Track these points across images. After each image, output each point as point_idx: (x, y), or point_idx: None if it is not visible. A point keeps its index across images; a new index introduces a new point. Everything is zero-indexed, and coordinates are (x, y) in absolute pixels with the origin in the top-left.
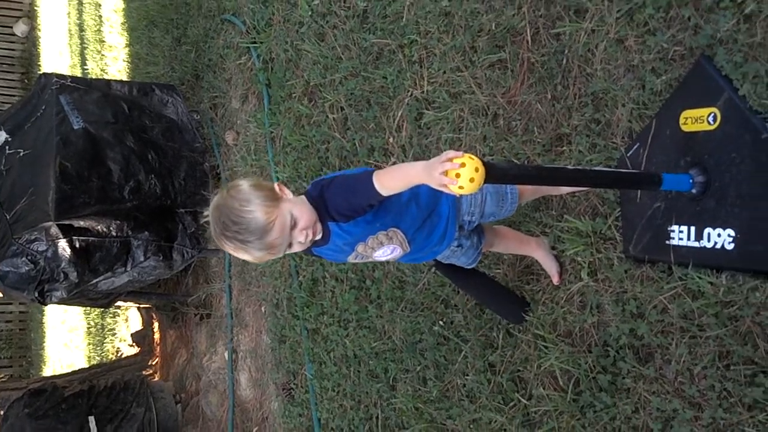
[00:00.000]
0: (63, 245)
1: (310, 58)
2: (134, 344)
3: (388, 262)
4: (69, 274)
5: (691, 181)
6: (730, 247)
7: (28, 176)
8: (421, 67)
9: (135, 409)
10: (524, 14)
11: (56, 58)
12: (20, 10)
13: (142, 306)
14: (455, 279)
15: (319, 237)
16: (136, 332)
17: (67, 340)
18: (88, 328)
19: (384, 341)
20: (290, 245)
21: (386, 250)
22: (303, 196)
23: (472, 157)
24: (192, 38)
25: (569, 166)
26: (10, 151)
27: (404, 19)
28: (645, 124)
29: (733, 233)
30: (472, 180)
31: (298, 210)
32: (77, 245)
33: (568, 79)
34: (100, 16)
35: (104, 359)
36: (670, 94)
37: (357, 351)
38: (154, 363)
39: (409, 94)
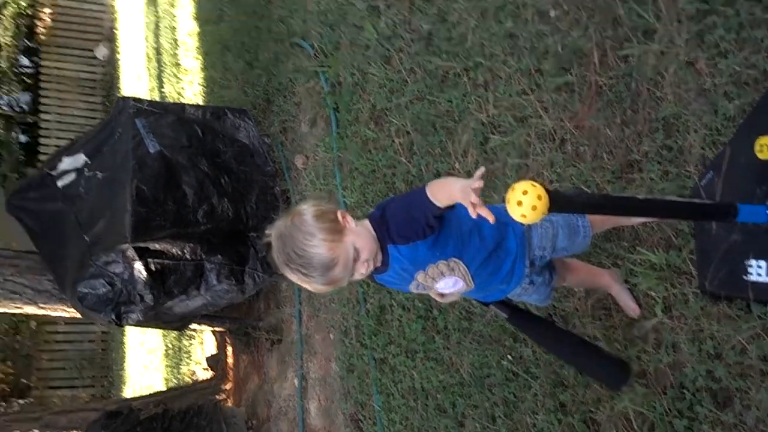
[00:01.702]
0: (139, 267)
1: (376, 82)
2: (209, 368)
3: None
4: (144, 296)
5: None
6: None
7: (106, 199)
8: (486, 90)
9: None
10: (591, 36)
11: (135, 81)
12: (101, 33)
13: (216, 329)
14: (538, 338)
15: (379, 264)
16: (211, 356)
17: (146, 361)
18: (166, 350)
19: (452, 374)
20: (352, 275)
21: (448, 281)
22: (366, 222)
23: (535, 184)
24: (263, 62)
25: (639, 196)
26: (89, 174)
27: (469, 42)
28: (718, 151)
29: None
30: (534, 208)
31: (361, 242)
32: (152, 267)
33: (638, 103)
34: (176, 40)
35: (180, 382)
36: (743, 119)
37: (425, 383)
38: (227, 387)
39: (475, 118)
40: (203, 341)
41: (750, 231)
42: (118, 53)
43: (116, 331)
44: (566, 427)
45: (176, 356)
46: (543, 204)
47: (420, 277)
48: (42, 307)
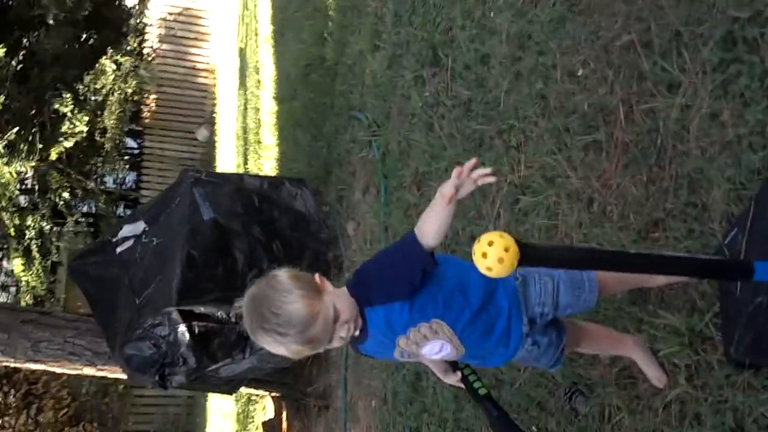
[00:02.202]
0: (182, 330)
1: (419, 148)
2: None
3: None
4: (188, 358)
5: None
6: None
7: (159, 264)
8: (518, 151)
9: None
10: (616, 92)
11: (227, 159)
12: (202, 117)
13: (273, 395)
14: None
15: (359, 330)
16: (267, 421)
17: (223, 426)
18: (237, 415)
19: None
20: (330, 340)
21: (433, 346)
22: (344, 288)
23: (503, 234)
24: (325, 135)
25: (632, 251)
26: (146, 240)
27: (502, 105)
28: (744, 207)
29: None
30: (501, 261)
31: (340, 303)
32: (196, 330)
33: (664, 159)
34: (259, 119)
35: None
36: None
37: None
38: None
39: (507, 180)
40: (264, 407)
41: None
42: (216, 135)
43: (199, 396)
44: None
45: (243, 421)
46: (511, 256)
47: (402, 342)
48: (100, 369)
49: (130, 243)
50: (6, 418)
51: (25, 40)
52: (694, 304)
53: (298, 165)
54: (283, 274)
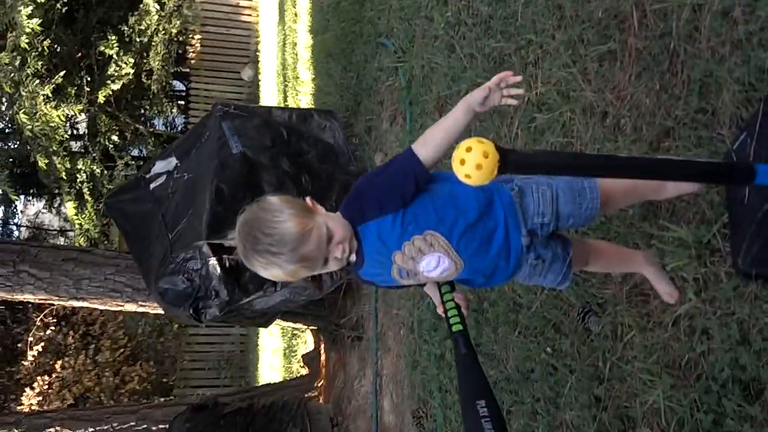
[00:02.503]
0: (214, 263)
1: (441, 71)
2: (305, 366)
3: None
4: (220, 292)
5: None
6: None
7: (190, 198)
8: (535, 67)
9: (291, 429)
10: None
11: (269, 98)
12: (247, 57)
13: (311, 328)
14: (460, 386)
15: (354, 256)
16: (306, 354)
17: (272, 362)
18: (283, 350)
19: (501, 369)
20: (326, 262)
21: (430, 260)
22: (337, 213)
23: (482, 140)
24: (354, 65)
25: (621, 155)
26: (177, 176)
27: (520, 19)
28: (753, 110)
29: None
30: (479, 167)
31: (333, 223)
32: (227, 264)
33: (676, 65)
34: (296, 54)
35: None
36: None
37: None
38: (319, 385)
39: (526, 98)
40: (306, 340)
41: None
42: (260, 73)
43: (252, 333)
44: (600, 425)
45: (289, 355)
46: (490, 162)
47: (398, 258)
48: (142, 305)
49: (162, 179)
50: (66, 359)
51: None
52: (703, 216)
53: (331, 98)
54: (273, 197)
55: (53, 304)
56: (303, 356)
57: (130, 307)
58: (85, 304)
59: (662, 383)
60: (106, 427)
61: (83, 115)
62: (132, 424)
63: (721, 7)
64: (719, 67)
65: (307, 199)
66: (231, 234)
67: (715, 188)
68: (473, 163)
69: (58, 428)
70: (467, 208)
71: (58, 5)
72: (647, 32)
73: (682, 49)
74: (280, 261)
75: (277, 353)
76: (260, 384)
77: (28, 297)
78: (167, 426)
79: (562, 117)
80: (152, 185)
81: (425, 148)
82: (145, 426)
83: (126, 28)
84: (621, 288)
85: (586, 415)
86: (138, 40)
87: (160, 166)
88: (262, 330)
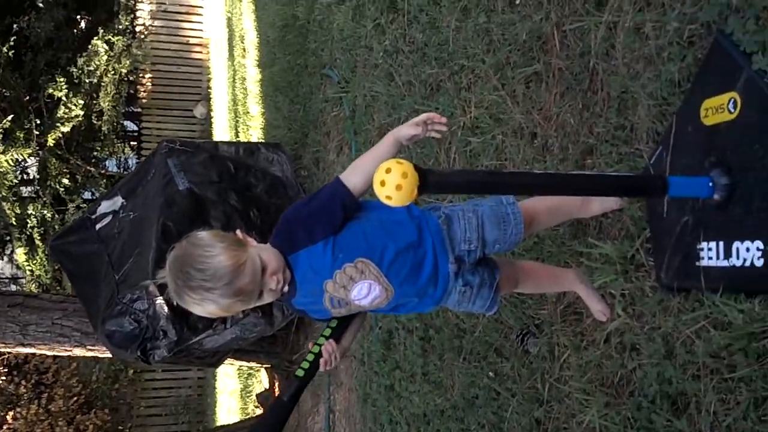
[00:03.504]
0: (161, 303)
1: (382, 100)
2: (259, 405)
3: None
4: (168, 332)
5: (711, 184)
6: (759, 263)
7: (137, 237)
8: (468, 91)
9: None
10: (551, 17)
11: (222, 134)
12: (199, 94)
13: (264, 366)
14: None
15: (288, 281)
16: (261, 393)
17: (230, 404)
18: (240, 390)
19: (447, 397)
20: (260, 294)
21: (362, 288)
22: (267, 244)
23: (401, 161)
24: (301, 97)
25: (536, 171)
26: (123, 215)
27: (451, 45)
28: (667, 124)
29: (761, 245)
30: (399, 188)
31: (265, 254)
32: (175, 303)
33: (596, 83)
34: (246, 89)
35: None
36: (689, 84)
37: (425, 409)
38: None
39: (459, 123)
40: (260, 379)
41: (700, 209)
42: (212, 110)
43: (209, 375)
44: None
45: (245, 396)
46: (409, 183)
47: (329, 287)
48: (91, 349)
49: (108, 219)
50: (18, 409)
51: (15, 25)
52: (627, 231)
53: (280, 131)
54: (202, 233)
55: (1, 353)
56: (257, 395)
57: (79, 351)
58: (32, 350)
59: (597, 402)
60: None
61: (33, 159)
62: None
63: (633, 23)
64: (634, 82)
65: (237, 231)
66: (161, 273)
67: (638, 203)
68: (393, 184)
69: None
70: (397, 236)
71: (5, 49)
72: (568, 52)
73: (601, 67)
74: (214, 296)
75: (234, 395)
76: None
77: None
78: None
79: (494, 140)
80: (98, 225)
81: (353, 176)
82: None
83: (75, 70)
84: (556, 307)
85: None
86: (87, 81)
87: (105, 206)
88: (219, 372)
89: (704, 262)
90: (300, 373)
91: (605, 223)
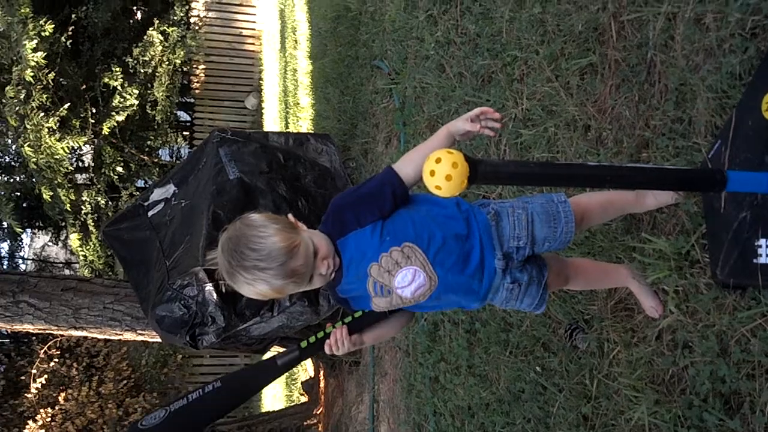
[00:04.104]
0: (210, 289)
1: (432, 91)
2: (304, 393)
3: None
4: (216, 318)
5: None
6: None
7: (187, 225)
8: (521, 83)
9: None
10: (608, 7)
11: (272, 125)
12: (251, 85)
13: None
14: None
15: (337, 266)
16: (306, 381)
17: (274, 390)
18: (285, 378)
19: (492, 390)
20: (311, 279)
21: (406, 274)
22: (317, 230)
23: (452, 151)
24: (351, 88)
25: (590, 163)
26: (175, 202)
27: (505, 36)
28: (726, 117)
29: None
30: (449, 178)
31: (316, 239)
32: (223, 290)
33: (653, 75)
34: (297, 81)
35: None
36: (751, 77)
37: (470, 402)
38: (318, 412)
39: (512, 115)
40: (306, 367)
41: (759, 205)
42: (263, 101)
43: (255, 362)
44: None
45: (290, 384)
46: (459, 173)
47: (374, 271)
48: (141, 333)
49: (160, 206)
50: (69, 391)
51: (74, 15)
52: (682, 227)
53: (329, 122)
54: (255, 215)
55: (55, 336)
56: (302, 383)
57: (129, 335)
58: (84, 333)
59: (646, 399)
60: None
61: (88, 147)
62: None
63: (693, 14)
64: (693, 75)
65: (289, 215)
66: (211, 254)
67: (694, 198)
68: (443, 174)
69: None
70: (445, 226)
71: (63, 38)
72: (625, 43)
73: (659, 59)
74: (267, 276)
75: (280, 382)
76: (260, 412)
77: (27, 327)
78: None
79: (546, 132)
80: (150, 213)
81: (404, 166)
82: None
83: (130, 60)
84: (606, 303)
85: None
86: (142, 71)
87: (158, 194)
88: (264, 358)
89: (762, 260)
90: (304, 344)
91: (659, 218)
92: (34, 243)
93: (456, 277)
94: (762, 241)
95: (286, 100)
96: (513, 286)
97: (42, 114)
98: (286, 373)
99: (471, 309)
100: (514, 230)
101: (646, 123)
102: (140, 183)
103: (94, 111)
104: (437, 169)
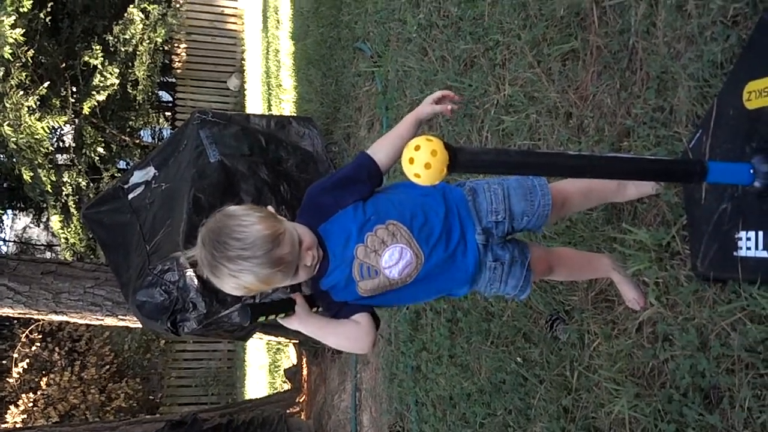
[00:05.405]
0: (191, 275)
1: (415, 75)
2: (287, 380)
3: None
4: (197, 304)
5: (751, 171)
6: None
7: (168, 208)
8: (503, 69)
9: None
10: None
11: (255, 106)
12: (233, 65)
13: (292, 341)
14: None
15: (321, 257)
16: (289, 368)
17: (258, 378)
18: (269, 365)
19: (474, 381)
20: (296, 271)
21: (393, 252)
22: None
23: (431, 138)
24: (333, 71)
25: (570, 152)
26: (155, 185)
27: (487, 20)
28: (708, 107)
29: None
30: (428, 166)
31: (300, 229)
32: (205, 276)
33: (635, 62)
34: (279, 62)
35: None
36: (732, 65)
37: (452, 391)
38: (301, 400)
39: (493, 100)
40: (289, 355)
41: (740, 197)
42: (246, 82)
43: (239, 349)
44: None
45: (273, 371)
46: (439, 161)
47: (360, 252)
48: (122, 319)
49: (141, 189)
50: (51, 376)
51: None
52: (663, 218)
53: (312, 105)
54: (234, 206)
55: (36, 319)
56: (285, 371)
57: (110, 321)
58: (64, 318)
59: (627, 392)
60: None
61: (69, 127)
62: None
63: (675, 1)
64: (674, 63)
65: (269, 207)
66: (191, 250)
67: (675, 189)
68: (422, 162)
69: None
70: (425, 203)
71: (42, 15)
72: (607, 29)
73: (640, 46)
74: (252, 266)
75: (263, 369)
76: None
77: (7, 311)
78: None
79: (528, 119)
80: (130, 195)
81: (377, 151)
82: None
83: (111, 38)
84: (587, 294)
85: (555, 428)
86: (123, 49)
87: (138, 176)
88: (249, 345)
89: (742, 252)
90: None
91: (640, 208)
92: (15, 225)
93: (440, 254)
94: (742, 234)
95: (269, 82)
96: (495, 265)
97: (21, 92)
98: (270, 360)
99: (459, 295)
100: (491, 204)
101: (627, 111)
102: (122, 164)
103: (74, 90)
104: (416, 156)
